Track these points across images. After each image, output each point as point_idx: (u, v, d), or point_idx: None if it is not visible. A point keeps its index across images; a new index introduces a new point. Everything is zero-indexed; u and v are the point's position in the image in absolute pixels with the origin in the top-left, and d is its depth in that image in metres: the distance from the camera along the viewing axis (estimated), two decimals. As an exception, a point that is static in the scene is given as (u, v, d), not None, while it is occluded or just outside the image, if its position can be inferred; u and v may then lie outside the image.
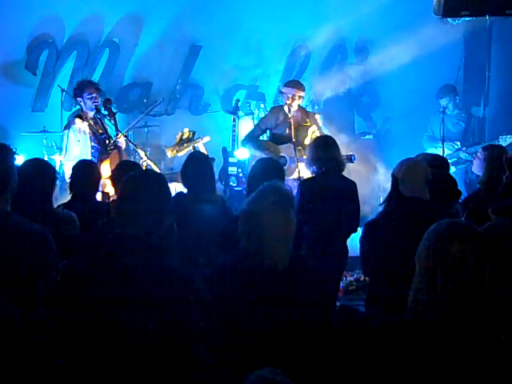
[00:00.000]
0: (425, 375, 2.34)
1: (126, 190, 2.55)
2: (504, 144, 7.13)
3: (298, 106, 6.85)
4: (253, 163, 4.93)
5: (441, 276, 2.37)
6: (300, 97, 6.83)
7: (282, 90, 6.92)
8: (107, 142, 6.65)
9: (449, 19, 8.23)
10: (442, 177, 4.64)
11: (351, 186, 5.26)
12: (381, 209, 4.18)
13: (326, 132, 6.88)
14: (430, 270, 2.40)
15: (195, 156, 5.22)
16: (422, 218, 3.77)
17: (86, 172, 4.81)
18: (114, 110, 6.82)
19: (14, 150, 3.41)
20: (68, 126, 6.70)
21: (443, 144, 7.69)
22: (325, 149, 5.19)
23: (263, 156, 6.28)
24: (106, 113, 6.74)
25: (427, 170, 4.07)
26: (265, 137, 7.24)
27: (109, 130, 6.77)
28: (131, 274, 2.41)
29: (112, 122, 6.63)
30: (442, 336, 2.35)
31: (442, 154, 7.57)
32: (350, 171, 6.92)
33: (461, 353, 2.34)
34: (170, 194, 2.63)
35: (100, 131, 6.72)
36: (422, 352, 2.34)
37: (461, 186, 7.46)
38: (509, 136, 7.52)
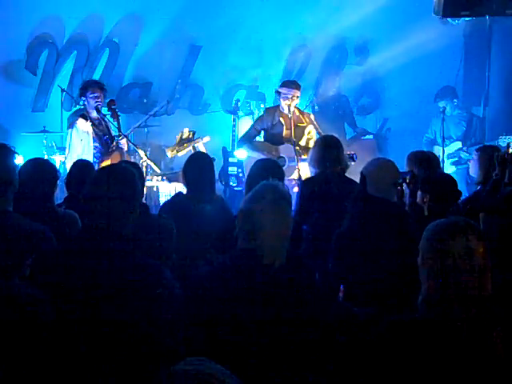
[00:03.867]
0: (436, 375, 2.34)
1: (94, 183, 2.65)
2: (503, 145, 7.13)
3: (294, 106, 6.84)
4: (249, 164, 4.92)
5: (443, 275, 2.37)
6: (298, 97, 6.83)
7: (280, 91, 6.88)
8: (109, 142, 6.65)
9: (449, 19, 8.26)
10: (439, 177, 4.65)
11: (353, 185, 5.24)
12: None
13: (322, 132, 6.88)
14: (433, 269, 2.40)
15: (197, 156, 5.22)
16: (386, 218, 3.79)
17: (83, 172, 4.80)
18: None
19: (13, 149, 3.41)
20: (71, 125, 6.71)
21: (443, 143, 7.70)
22: (328, 149, 5.18)
23: (261, 157, 6.27)
24: (109, 113, 6.75)
25: (395, 171, 4.07)
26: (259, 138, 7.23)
27: (112, 131, 6.77)
28: (99, 264, 2.49)
29: (115, 122, 6.64)
30: (453, 335, 2.34)
31: (442, 155, 7.60)
32: (350, 171, 6.92)
33: (472, 351, 2.34)
34: (137, 185, 2.70)
35: (103, 132, 6.72)
36: (432, 351, 2.34)
37: (462, 187, 7.49)
38: (508, 137, 7.52)
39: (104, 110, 6.86)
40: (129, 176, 2.67)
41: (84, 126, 6.59)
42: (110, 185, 2.59)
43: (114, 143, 6.61)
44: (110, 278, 2.48)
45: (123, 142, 6.63)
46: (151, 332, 2.48)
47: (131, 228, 2.61)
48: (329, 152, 5.17)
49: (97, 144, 6.64)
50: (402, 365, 2.36)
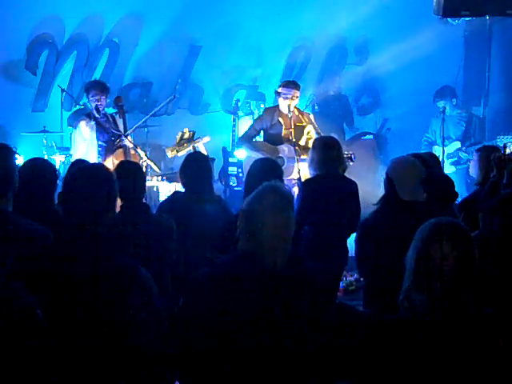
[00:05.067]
0: (417, 373, 2.37)
1: (68, 183, 2.68)
2: (501, 144, 7.13)
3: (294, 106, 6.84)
4: (248, 164, 4.91)
5: (425, 276, 2.39)
6: (297, 97, 6.83)
7: (280, 91, 6.87)
8: (113, 140, 6.71)
9: (449, 19, 8.26)
10: (439, 177, 4.64)
11: (352, 186, 5.25)
12: (375, 208, 4.16)
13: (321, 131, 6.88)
14: (415, 270, 2.43)
15: (194, 156, 5.21)
16: (420, 220, 3.77)
17: None
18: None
19: (15, 149, 3.42)
20: (75, 125, 6.82)
21: (443, 143, 7.71)
22: (327, 149, 5.18)
23: (260, 157, 6.27)
24: (114, 110, 6.80)
25: (422, 169, 4.05)
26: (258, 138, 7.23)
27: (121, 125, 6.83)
28: (74, 263, 2.52)
29: (121, 120, 6.71)
30: (434, 334, 2.37)
31: (441, 154, 7.60)
32: (350, 171, 6.91)
33: (453, 351, 2.36)
34: (112, 185, 2.70)
35: (110, 128, 6.74)
36: (413, 351, 2.36)
37: (461, 187, 7.50)
38: (506, 136, 7.53)
39: (109, 110, 6.91)
40: (102, 175, 2.68)
41: (88, 124, 6.68)
42: (83, 184, 2.61)
43: (118, 140, 6.66)
44: (83, 277, 2.50)
45: (128, 140, 6.69)
46: (125, 330, 2.49)
47: (106, 227, 2.63)
48: (330, 153, 5.16)
49: (102, 142, 6.71)
50: (387, 364, 2.38)
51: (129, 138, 6.70)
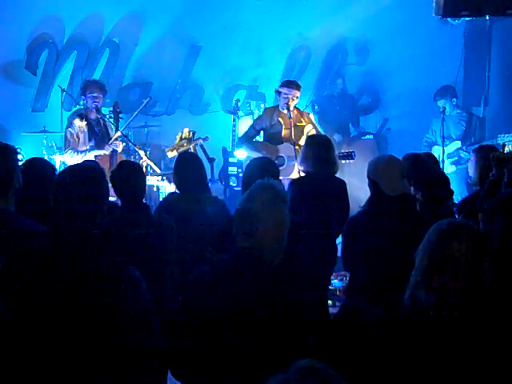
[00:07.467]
0: (419, 371, 2.37)
1: (59, 183, 2.71)
2: (501, 143, 7.14)
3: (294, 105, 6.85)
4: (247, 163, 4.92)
5: (439, 275, 2.39)
6: (297, 97, 6.84)
7: (281, 90, 6.89)
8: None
9: (449, 19, 8.25)
10: (431, 176, 4.66)
11: (341, 185, 5.25)
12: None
13: (322, 131, 6.88)
14: (429, 268, 2.42)
15: (184, 158, 5.20)
16: (408, 215, 3.83)
17: None
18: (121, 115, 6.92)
19: (19, 150, 3.41)
20: (69, 124, 6.88)
21: (443, 143, 7.71)
22: (317, 148, 5.18)
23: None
24: (110, 114, 6.84)
25: (400, 163, 4.12)
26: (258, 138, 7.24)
27: (111, 132, 6.86)
28: (63, 262, 2.54)
29: (114, 124, 6.74)
30: (439, 333, 2.37)
31: (442, 154, 7.61)
32: (350, 171, 6.92)
33: (457, 350, 2.36)
34: (102, 184, 2.72)
35: (101, 132, 6.78)
36: (416, 348, 2.36)
37: (462, 187, 7.51)
38: (507, 135, 7.53)
39: (105, 111, 6.92)
40: (91, 175, 2.69)
41: (80, 125, 6.72)
42: (71, 184, 2.62)
43: (109, 143, 6.71)
44: (71, 276, 2.52)
45: (117, 143, 6.72)
46: (114, 329, 2.50)
47: (98, 226, 2.65)
48: (321, 152, 5.16)
49: (91, 144, 6.76)
50: (388, 360, 2.38)
51: (119, 142, 6.75)
